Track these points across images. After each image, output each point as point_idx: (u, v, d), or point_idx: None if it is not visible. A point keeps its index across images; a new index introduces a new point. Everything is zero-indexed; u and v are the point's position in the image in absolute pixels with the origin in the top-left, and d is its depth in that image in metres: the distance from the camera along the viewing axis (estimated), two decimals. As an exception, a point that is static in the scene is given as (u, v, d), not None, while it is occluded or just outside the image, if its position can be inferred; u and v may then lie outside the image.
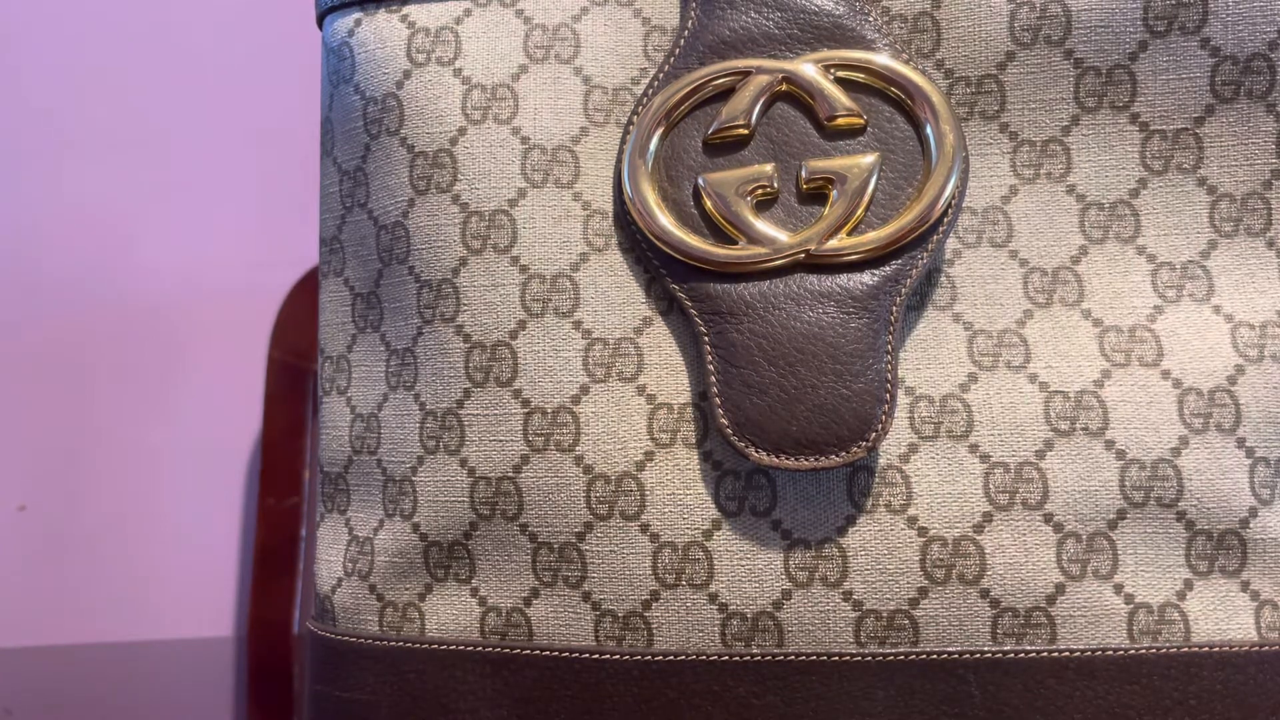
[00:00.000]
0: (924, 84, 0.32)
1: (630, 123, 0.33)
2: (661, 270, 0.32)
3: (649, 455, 0.32)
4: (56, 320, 0.58)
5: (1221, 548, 0.31)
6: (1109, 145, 0.33)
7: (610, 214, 0.34)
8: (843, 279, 0.31)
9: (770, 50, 0.33)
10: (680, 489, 0.32)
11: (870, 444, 0.30)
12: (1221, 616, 0.31)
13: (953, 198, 0.31)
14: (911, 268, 0.31)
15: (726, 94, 0.33)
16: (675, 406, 0.32)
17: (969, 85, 0.33)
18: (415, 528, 0.34)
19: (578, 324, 0.33)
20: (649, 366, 0.33)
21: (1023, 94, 0.33)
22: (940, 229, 0.31)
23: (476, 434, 0.34)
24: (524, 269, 0.34)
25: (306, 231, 0.66)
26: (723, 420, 0.31)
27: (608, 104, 0.34)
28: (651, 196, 0.32)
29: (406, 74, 0.35)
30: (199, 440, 0.60)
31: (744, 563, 0.32)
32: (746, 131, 0.32)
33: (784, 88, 0.32)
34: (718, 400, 0.31)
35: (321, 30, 0.38)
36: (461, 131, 0.34)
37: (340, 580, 0.36)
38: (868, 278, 0.31)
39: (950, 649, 0.31)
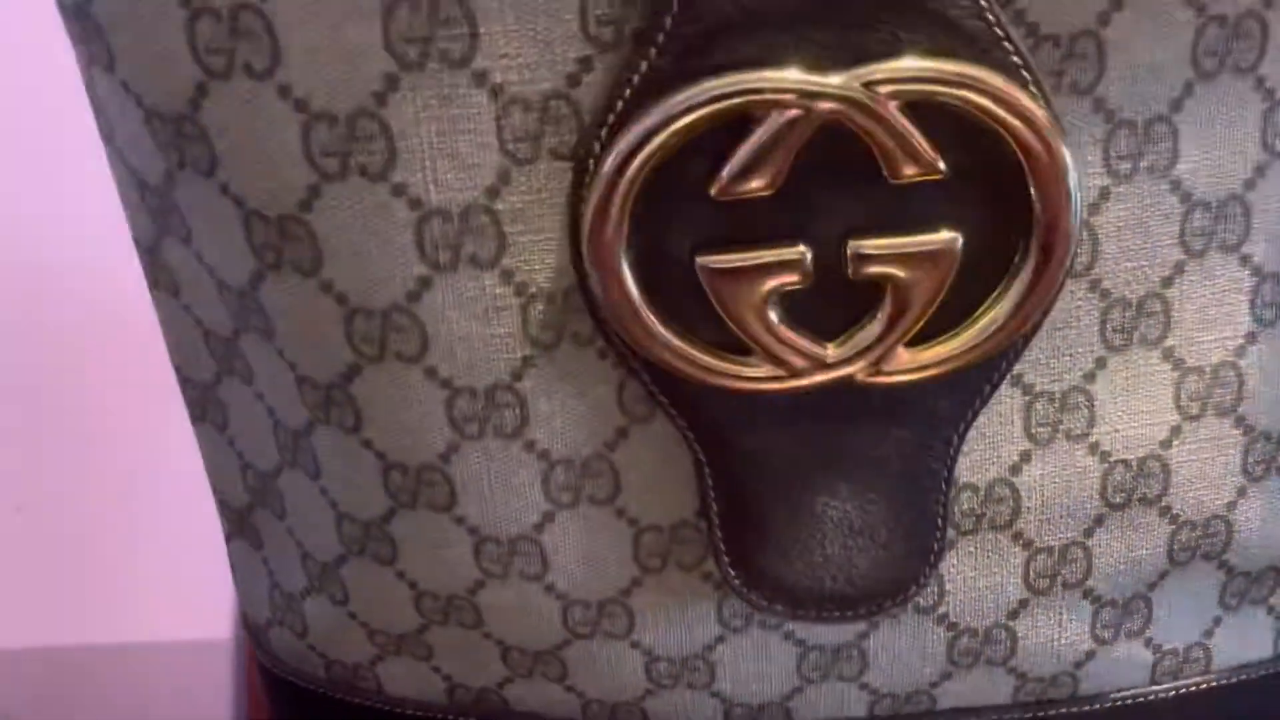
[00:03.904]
0: (1057, 137, 0.21)
1: (588, 155, 0.22)
2: (643, 375, 0.24)
3: (636, 581, 0.27)
4: (56, 320, 0.57)
5: (1256, 582, 0.29)
6: (1226, 123, 0.24)
7: (558, 294, 0.24)
8: (896, 406, 0.24)
9: (808, 42, 0.21)
10: (675, 611, 0.27)
11: (908, 598, 0.26)
12: (1243, 643, 0.30)
13: (1058, 292, 0.23)
14: (988, 387, 0.24)
15: (742, 123, 0.21)
16: (665, 528, 0.26)
17: (1058, 46, 0.22)
18: (352, 616, 0.29)
19: (530, 445, 0.25)
20: (629, 486, 0.26)
21: (1126, 56, 0.23)
22: (1029, 336, 0.24)
23: (413, 552, 0.27)
24: (446, 383, 0.24)
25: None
26: (731, 571, 0.25)
27: (534, 125, 0.22)
28: (628, 274, 0.22)
29: (201, 89, 0.22)
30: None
31: (751, 668, 0.28)
32: (770, 193, 0.22)
33: (829, 117, 0.21)
34: (723, 549, 0.25)
35: None
36: (314, 191, 0.23)
37: (271, 622, 0.31)
38: (930, 403, 0.24)
39: (965, 708, 0.29)
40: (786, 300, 0.23)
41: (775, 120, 0.21)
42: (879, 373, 0.23)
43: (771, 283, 0.22)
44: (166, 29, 0.22)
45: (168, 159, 0.24)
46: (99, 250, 0.59)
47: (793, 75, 0.21)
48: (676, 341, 0.23)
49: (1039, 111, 0.21)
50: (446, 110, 0.22)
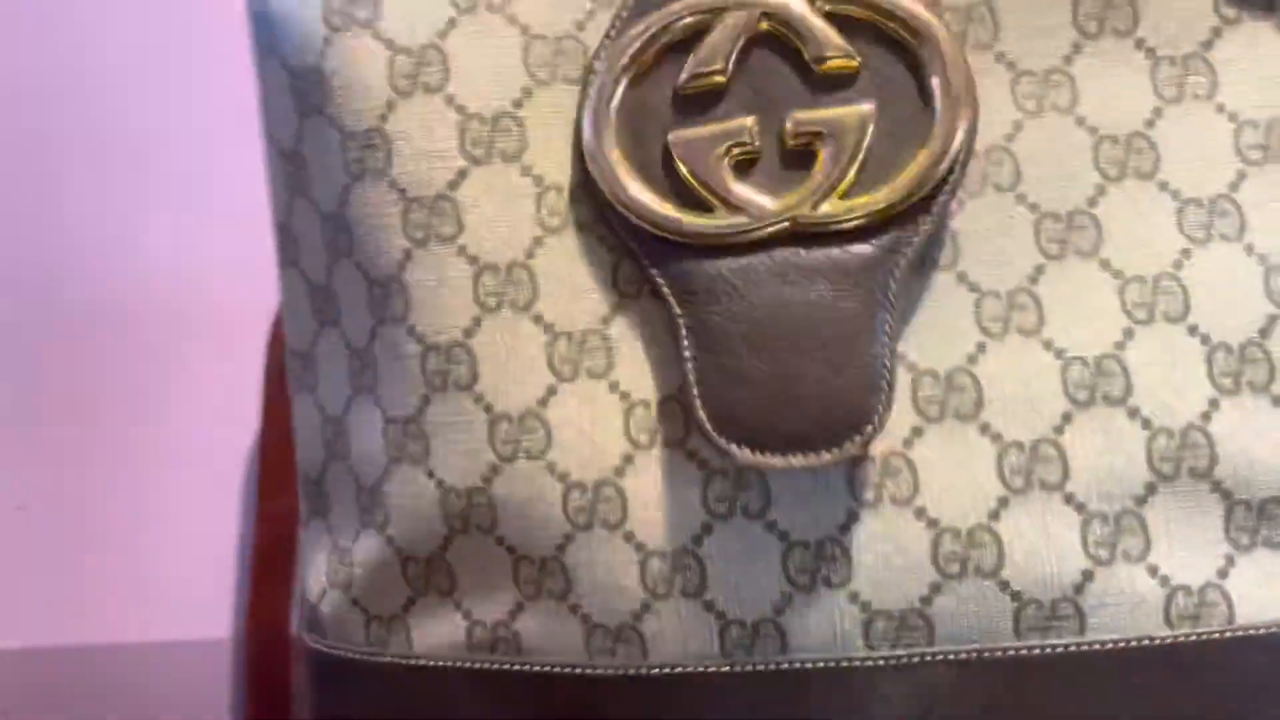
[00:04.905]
0: (930, 21, 0.28)
1: (589, 73, 0.30)
2: (631, 244, 0.29)
3: (628, 459, 0.29)
4: (56, 320, 0.58)
5: (1264, 518, 0.28)
6: (1116, 74, 0.30)
7: (565, 187, 0.30)
8: (835, 251, 0.28)
9: None
10: (664, 493, 0.29)
11: (866, 438, 0.27)
12: (1267, 595, 0.28)
13: (960, 153, 0.28)
14: (913, 234, 0.28)
15: (699, 35, 0.29)
16: (653, 403, 0.29)
17: (957, 13, 0.30)
18: (389, 540, 0.32)
19: (538, 318, 0.30)
20: (621, 360, 0.30)
21: (1016, 19, 0.30)
22: (945, 189, 0.28)
23: (441, 443, 0.31)
24: (474, 260, 0.30)
25: (308, 229, 0.65)
26: (702, 414, 0.28)
27: (551, 57, 0.31)
28: (616, 159, 0.29)
29: (327, 41, 0.32)
30: (199, 440, 0.60)
31: (739, 568, 0.29)
32: (723, 79, 0.29)
33: (765, 26, 0.29)
34: (695, 392, 0.28)
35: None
36: (390, 106, 0.31)
37: (324, 590, 0.34)
38: (863, 248, 0.28)
39: (969, 646, 0.28)
40: (742, 168, 0.29)
41: (724, 24, 0.29)
42: (817, 219, 0.28)
43: (727, 145, 0.29)
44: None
45: (299, 110, 0.33)
46: (102, 251, 0.61)
47: None
48: (655, 204, 0.29)
49: (917, 11, 0.28)
50: (489, 42, 0.31)
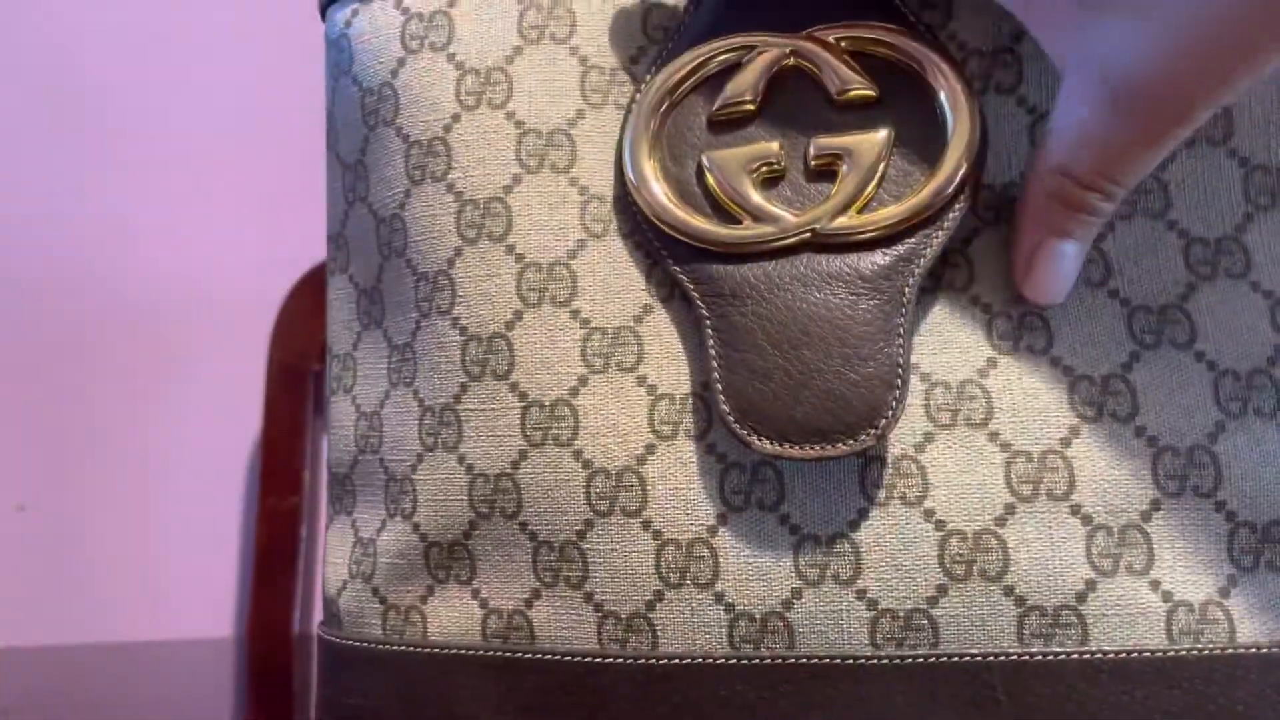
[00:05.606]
0: (939, 57, 0.30)
1: (633, 100, 0.32)
2: (663, 252, 0.31)
3: (650, 448, 0.31)
4: (57, 320, 0.58)
5: (1268, 541, 0.29)
6: None
7: (609, 199, 0.33)
8: (852, 259, 0.30)
9: (778, 24, 0.31)
10: (683, 483, 0.30)
11: (880, 431, 0.29)
12: (1270, 616, 0.29)
13: (970, 174, 0.30)
14: (926, 247, 0.30)
15: (732, 69, 0.32)
16: (677, 397, 0.31)
17: (983, 58, 0.32)
18: (415, 527, 0.34)
19: (575, 313, 0.32)
20: (649, 356, 0.31)
21: (1040, 66, 0.31)
22: (957, 206, 0.30)
23: (474, 429, 0.32)
24: (520, 257, 0.33)
25: (306, 231, 0.65)
26: (724, 407, 0.29)
27: (605, 85, 0.33)
28: (653, 175, 0.31)
29: (401, 62, 0.34)
30: (199, 440, 0.60)
31: (751, 560, 0.30)
32: (753, 108, 0.31)
33: (792, 62, 0.31)
34: (719, 386, 0.30)
35: (324, 23, 0.38)
36: (455, 118, 0.34)
37: (345, 583, 0.35)
38: (879, 258, 0.30)
39: (973, 650, 0.29)
40: (768, 184, 0.31)
41: (755, 60, 0.31)
42: (835, 230, 0.30)
43: (755, 164, 0.31)
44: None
45: (366, 123, 0.36)
46: (103, 251, 0.61)
47: (765, 37, 0.31)
48: (688, 215, 0.31)
49: (930, 52, 0.31)
50: (551, 69, 0.34)
